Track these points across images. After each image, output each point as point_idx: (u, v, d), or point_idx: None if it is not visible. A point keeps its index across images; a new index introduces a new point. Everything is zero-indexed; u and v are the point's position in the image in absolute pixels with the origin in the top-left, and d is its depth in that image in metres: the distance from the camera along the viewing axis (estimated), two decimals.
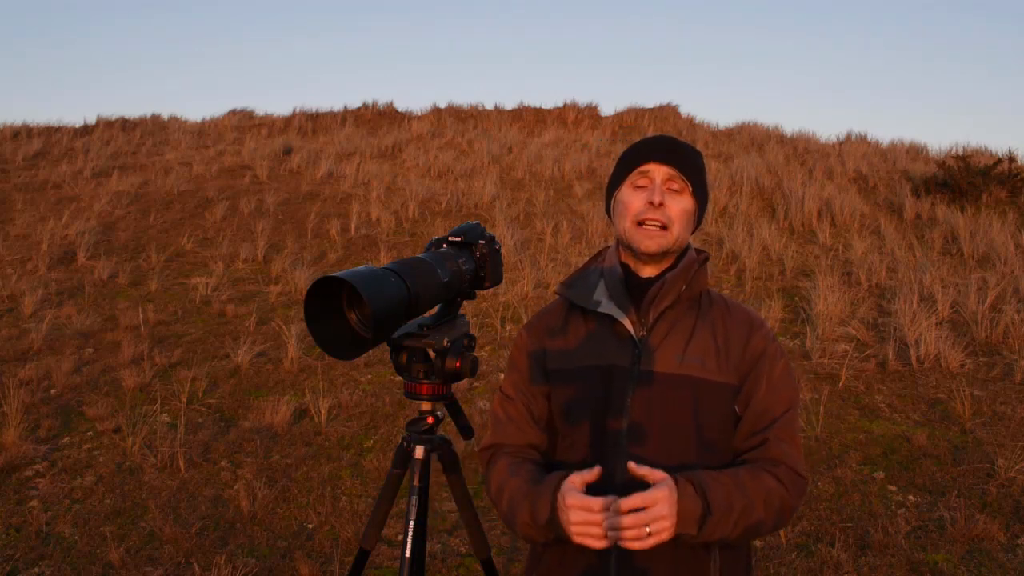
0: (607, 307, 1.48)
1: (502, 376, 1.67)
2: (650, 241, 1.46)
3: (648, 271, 1.51)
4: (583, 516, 1.28)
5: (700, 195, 1.51)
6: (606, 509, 1.27)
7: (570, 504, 1.30)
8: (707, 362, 1.44)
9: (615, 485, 1.40)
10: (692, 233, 1.55)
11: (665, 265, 1.51)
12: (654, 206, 1.45)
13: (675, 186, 1.48)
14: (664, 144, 1.50)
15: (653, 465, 1.34)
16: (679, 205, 1.47)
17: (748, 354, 1.46)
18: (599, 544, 1.29)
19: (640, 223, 1.47)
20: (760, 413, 1.45)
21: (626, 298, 1.48)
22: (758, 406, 1.45)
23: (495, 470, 1.54)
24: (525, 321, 1.66)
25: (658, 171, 1.47)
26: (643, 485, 1.35)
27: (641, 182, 1.49)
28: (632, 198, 1.49)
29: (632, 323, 1.46)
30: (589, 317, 1.52)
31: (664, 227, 1.46)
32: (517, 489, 1.44)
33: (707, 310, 1.50)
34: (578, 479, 1.32)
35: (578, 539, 1.30)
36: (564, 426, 1.52)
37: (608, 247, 1.60)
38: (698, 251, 1.57)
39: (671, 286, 1.47)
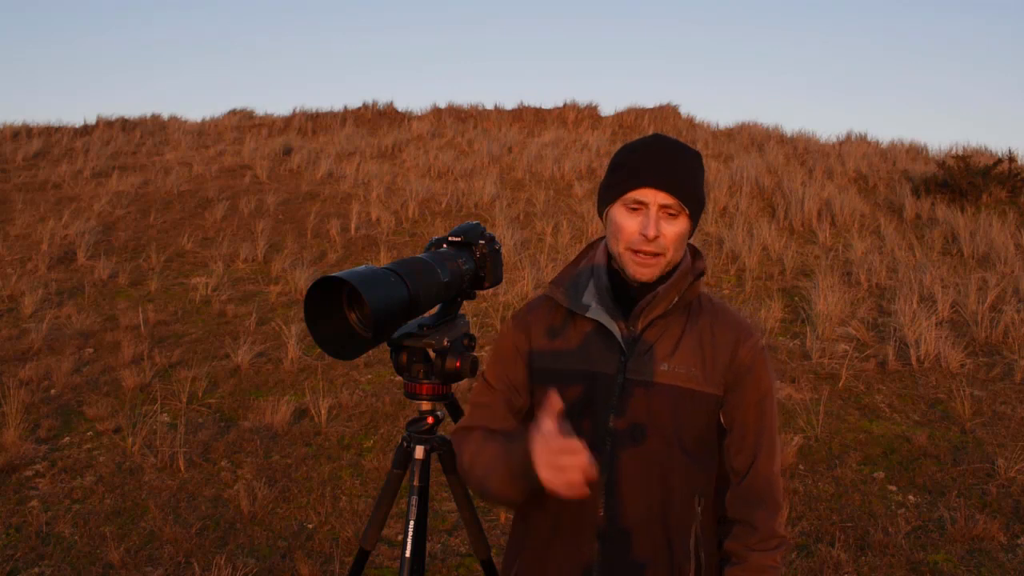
0: (596, 312, 1.46)
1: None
2: (645, 270, 1.43)
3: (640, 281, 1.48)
4: (543, 447, 1.21)
5: (696, 212, 1.46)
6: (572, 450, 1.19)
7: (535, 436, 1.22)
8: (693, 372, 1.43)
9: (599, 486, 1.41)
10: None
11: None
12: (648, 239, 1.40)
13: (671, 211, 1.42)
14: (661, 167, 1.41)
15: (634, 474, 1.37)
16: (674, 230, 1.42)
17: (735, 366, 1.45)
18: (561, 483, 1.20)
19: (633, 250, 1.43)
20: (744, 434, 1.47)
21: (615, 304, 1.46)
22: (743, 428, 1.47)
23: (467, 443, 1.51)
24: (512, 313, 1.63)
25: (654, 198, 1.40)
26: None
27: (635, 205, 1.43)
28: (625, 221, 1.43)
29: (620, 329, 1.45)
30: (577, 319, 1.49)
31: (659, 254, 1.43)
32: (494, 452, 1.42)
33: (696, 317, 1.48)
34: (549, 420, 1.22)
35: (544, 473, 1.21)
36: None
37: (598, 241, 1.57)
38: (694, 255, 1.53)
39: (663, 297, 1.45)
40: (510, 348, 1.55)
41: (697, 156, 1.49)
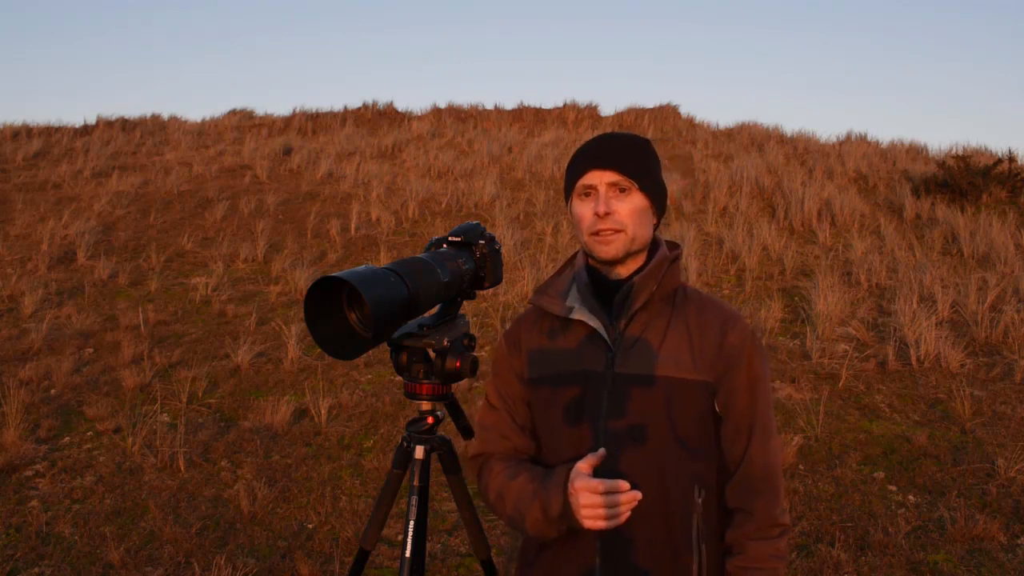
0: (579, 313, 1.48)
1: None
2: (607, 247, 1.46)
3: (618, 272, 1.50)
4: (590, 499, 1.32)
5: (651, 188, 1.49)
6: (608, 491, 1.32)
7: (579, 488, 1.33)
8: (681, 361, 1.44)
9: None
10: (656, 226, 1.54)
11: (635, 265, 1.50)
12: (600, 216, 1.44)
13: (620, 188, 1.46)
14: (601, 149, 1.48)
15: (631, 469, 1.38)
16: (628, 206, 1.46)
17: (725, 351, 1.45)
18: (604, 525, 1.33)
19: (594, 233, 1.46)
20: (738, 420, 1.47)
21: (596, 302, 1.48)
22: (736, 414, 1.46)
23: (490, 475, 1.55)
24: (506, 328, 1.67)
25: (600, 178, 1.45)
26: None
27: (586, 191, 1.48)
28: (582, 210, 1.48)
29: (604, 327, 1.46)
30: (563, 324, 1.52)
31: (618, 231, 1.46)
32: (521, 490, 1.46)
33: (681, 307, 1.49)
34: (585, 464, 1.35)
35: (588, 523, 1.33)
36: (542, 432, 1.54)
37: (580, 251, 1.59)
38: (671, 246, 1.55)
39: (641, 287, 1.46)
40: (504, 365, 1.59)
41: (643, 140, 1.53)
